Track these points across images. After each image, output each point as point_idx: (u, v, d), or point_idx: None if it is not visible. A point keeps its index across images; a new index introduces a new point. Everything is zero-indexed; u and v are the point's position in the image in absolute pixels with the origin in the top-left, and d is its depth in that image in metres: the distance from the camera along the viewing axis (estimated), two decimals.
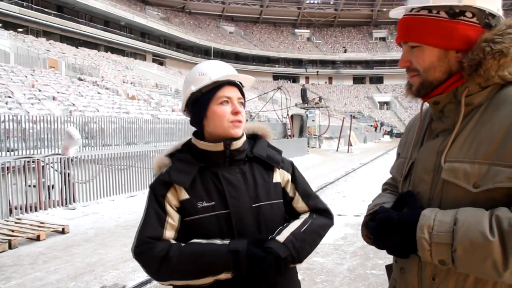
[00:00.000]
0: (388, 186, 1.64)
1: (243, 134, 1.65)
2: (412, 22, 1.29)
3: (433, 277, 1.25)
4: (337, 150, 28.96)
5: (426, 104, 1.41)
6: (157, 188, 1.58)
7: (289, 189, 1.71)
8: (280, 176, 1.70)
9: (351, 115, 47.07)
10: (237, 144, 1.61)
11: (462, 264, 1.11)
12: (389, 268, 1.56)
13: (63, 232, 7.16)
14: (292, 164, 1.77)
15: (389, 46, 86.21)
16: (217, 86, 1.58)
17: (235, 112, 1.58)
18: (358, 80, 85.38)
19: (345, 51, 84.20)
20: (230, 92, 1.59)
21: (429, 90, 1.31)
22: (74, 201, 9.36)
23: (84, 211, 9.04)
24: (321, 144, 32.52)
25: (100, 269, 5.38)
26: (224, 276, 1.47)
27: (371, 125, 58.76)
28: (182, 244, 1.50)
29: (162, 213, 1.53)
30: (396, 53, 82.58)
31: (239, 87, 1.64)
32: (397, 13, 1.38)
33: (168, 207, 1.54)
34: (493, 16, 1.25)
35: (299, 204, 1.70)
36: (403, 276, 1.37)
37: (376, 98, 78.38)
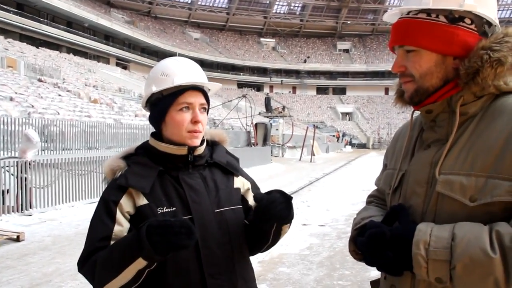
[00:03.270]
0: (374, 199, 1.58)
1: (203, 140, 1.59)
2: (409, 25, 1.24)
3: None
4: (300, 159, 29.18)
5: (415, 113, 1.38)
6: (110, 193, 1.46)
7: (249, 197, 1.67)
8: (240, 182, 1.67)
9: (314, 125, 47.60)
10: (200, 150, 1.56)
11: (461, 282, 1.06)
12: (374, 284, 1.50)
13: (17, 239, 6.83)
14: (247, 175, 1.77)
15: (352, 58, 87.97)
16: (179, 90, 1.49)
17: (195, 121, 1.50)
18: (322, 90, 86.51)
19: (305, 61, 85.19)
20: (193, 98, 1.50)
21: (424, 98, 1.26)
22: (30, 207, 8.98)
23: (41, 218, 8.70)
24: (284, 153, 32.70)
25: (58, 280, 5.14)
26: (141, 263, 1.29)
27: (333, 135, 59.64)
28: None
29: (110, 223, 1.41)
30: (359, 65, 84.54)
31: (203, 92, 1.55)
32: (391, 15, 1.33)
33: (118, 215, 1.42)
34: (489, 25, 1.23)
35: None
36: None
37: (339, 109, 79.67)
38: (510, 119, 1.13)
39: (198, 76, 1.55)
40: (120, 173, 1.48)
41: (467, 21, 1.20)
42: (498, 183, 1.09)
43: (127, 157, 1.55)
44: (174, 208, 1.46)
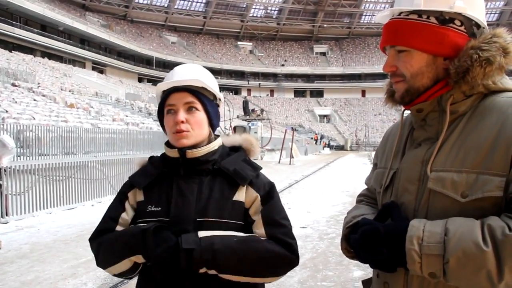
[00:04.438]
0: (364, 198, 1.60)
1: (208, 143, 1.57)
2: (401, 26, 1.27)
3: None
4: (279, 162, 29.25)
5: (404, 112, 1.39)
6: (124, 185, 1.64)
7: (254, 211, 1.52)
8: (245, 195, 1.53)
9: (292, 127, 47.77)
10: (196, 153, 1.52)
11: (454, 276, 1.08)
12: (366, 283, 1.51)
13: None
14: (270, 185, 1.58)
15: (329, 61, 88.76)
16: (165, 96, 1.56)
17: (175, 122, 1.50)
18: (299, 93, 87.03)
19: (282, 65, 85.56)
20: (174, 99, 1.52)
21: (414, 97, 1.29)
22: (6, 214, 8.77)
23: (18, 225, 8.51)
24: (263, 156, 32.73)
25: None
26: (136, 258, 1.45)
27: (312, 138, 59.95)
28: None
29: (120, 208, 1.58)
30: (336, 68, 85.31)
31: (191, 91, 1.52)
32: (382, 17, 1.36)
33: (127, 204, 1.58)
34: (478, 27, 1.26)
35: (257, 229, 1.50)
36: None
37: (317, 111, 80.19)
38: (499, 117, 1.16)
39: (181, 77, 1.55)
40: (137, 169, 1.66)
41: (457, 22, 1.24)
42: (488, 179, 1.12)
43: (152, 157, 1.69)
44: (160, 208, 1.50)
